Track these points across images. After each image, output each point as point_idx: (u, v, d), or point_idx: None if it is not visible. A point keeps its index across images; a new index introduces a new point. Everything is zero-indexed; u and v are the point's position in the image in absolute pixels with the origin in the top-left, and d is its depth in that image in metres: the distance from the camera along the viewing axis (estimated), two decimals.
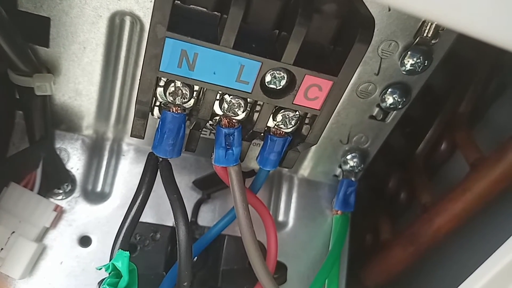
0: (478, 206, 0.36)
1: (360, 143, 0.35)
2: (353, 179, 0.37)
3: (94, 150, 0.33)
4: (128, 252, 0.22)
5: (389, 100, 0.31)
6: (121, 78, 0.30)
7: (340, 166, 0.37)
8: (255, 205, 0.30)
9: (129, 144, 0.34)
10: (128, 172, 0.33)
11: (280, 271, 0.34)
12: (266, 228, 0.31)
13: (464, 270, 0.33)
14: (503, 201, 0.36)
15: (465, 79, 0.40)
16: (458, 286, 0.28)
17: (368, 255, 0.45)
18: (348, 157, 0.36)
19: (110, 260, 0.25)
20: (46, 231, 0.30)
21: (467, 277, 0.29)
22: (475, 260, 0.32)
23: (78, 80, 0.30)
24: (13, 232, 0.28)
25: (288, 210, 0.37)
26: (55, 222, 0.30)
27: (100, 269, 0.22)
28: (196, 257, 0.31)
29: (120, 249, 0.22)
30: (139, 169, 0.34)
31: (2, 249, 0.28)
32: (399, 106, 0.32)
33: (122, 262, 0.21)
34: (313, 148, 0.36)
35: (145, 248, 0.30)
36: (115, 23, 0.27)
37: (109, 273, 0.22)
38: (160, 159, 0.26)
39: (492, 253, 0.26)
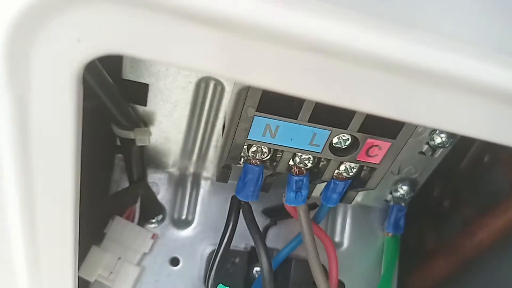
0: None
1: (410, 174, 0.39)
2: (403, 204, 0.41)
3: (178, 184, 0.39)
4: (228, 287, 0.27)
5: (437, 139, 0.35)
6: (203, 127, 0.35)
7: (391, 193, 0.41)
8: (319, 235, 0.35)
9: (206, 178, 0.39)
10: (207, 202, 0.39)
11: None
12: (328, 254, 0.35)
13: (506, 283, 0.37)
14: None
15: None
16: None
17: (413, 261, 0.49)
18: (399, 185, 0.40)
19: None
20: (144, 255, 0.36)
21: None
22: None
23: (168, 130, 0.35)
24: (119, 258, 0.34)
25: (343, 232, 0.42)
26: (152, 247, 0.36)
27: None
28: None
29: (221, 284, 0.28)
30: (214, 199, 0.39)
31: (111, 272, 0.34)
32: (447, 145, 0.36)
33: None
34: None
35: (228, 271, 0.36)
36: (201, 86, 0.32)
37: None
38: (242, 202, 0.32)
39: None
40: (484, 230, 0.42)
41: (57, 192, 0.22)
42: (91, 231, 0.35)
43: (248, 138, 0.27)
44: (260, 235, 0.31)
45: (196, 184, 0.39)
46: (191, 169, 0.39)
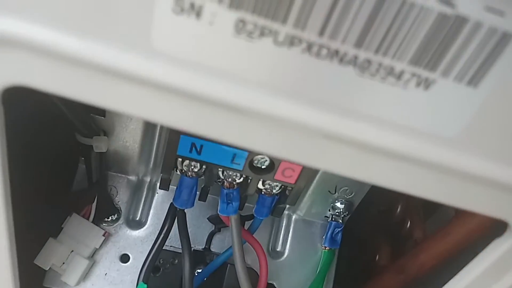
0: (458, 247, 0.43)
1: (345, 194, 0.43)
2: (340, 221, 0.44)
3: (135, 188, 0.43)
4: (146, 284, 0.31)
5: None
6: (157, 138, 0.40)
7: (329, 210, 0.45)
8: (252, 243, 0.39)
9: None
10: (160, 206, 0.43)
11: None
12: (260, 260, 0.39)
13: None
14: (480, 245, 0.42)
15: None
16: None
17: (367, 275, 0.53)
18: (337, 204, 0.44)
19: (138, 278, 0.35)
20: (96, 250, 0.40)
21: None
22: None
23: (126, 139, 0.40)
24: (72, 251, 0.39)
25: (286, 242, 0.45)
26: (103, 244, 0.40)
27: None
28: (205, 279, 0.40)
29: (142, 282, 0.32)
30: (167, 204, 0.43)
31: (63, 263, 0.38)
32: None
33: None
34: (308, 193, 0.44)
35: (166, 270, 0.40)
36: None
37: None
38: (178, 209, 0.36)
39: None
40: (426, 252, 0.45)
41: None
42: (50, 224, 0.39)
43: (177, 153, 0.31)
44: (187, 241, 0.35)
45: (152, 190, 0.44)
46: (148, 176, 0.43)
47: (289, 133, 0.20)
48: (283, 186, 0.35)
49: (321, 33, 0.17)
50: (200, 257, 0.42)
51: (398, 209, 0.53)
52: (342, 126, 0.19)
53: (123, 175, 0.43)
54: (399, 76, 0.18)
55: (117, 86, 0.19)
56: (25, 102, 0.28)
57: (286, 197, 0.35)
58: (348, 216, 0.44)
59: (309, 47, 0.18)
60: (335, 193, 0.43)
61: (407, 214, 0.51)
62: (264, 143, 0.21)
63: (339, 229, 0.44)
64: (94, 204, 0.40)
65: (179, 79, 0.19)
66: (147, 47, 0.18)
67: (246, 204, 0.40)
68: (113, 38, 0.18)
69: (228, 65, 0.18)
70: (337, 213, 0.44)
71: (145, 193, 0.43)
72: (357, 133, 0.20)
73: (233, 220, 0.36)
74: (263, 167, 0.32)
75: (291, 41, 0.17)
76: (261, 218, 0.38)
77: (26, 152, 0.32)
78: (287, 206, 0.40)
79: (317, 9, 0.17)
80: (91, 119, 0.38)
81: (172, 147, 0.31)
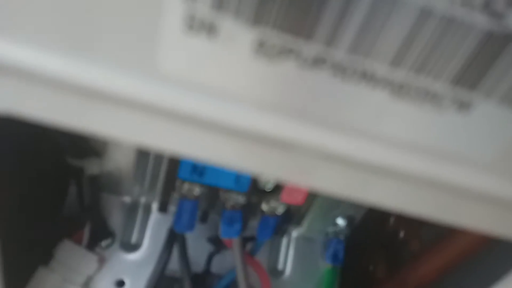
0: (459, 260, 0.42)
1: (346, 209, 0.42)
2: (342, 237, 0.43)
3: (130, 210, 0.41)
4: None
5: None
6: (152, 160, 0.38)
7: (331, 226, 0.43)
8: (255, 267, 0.37)
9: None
10: (156, 227, 0.41)
11: None
12: (263, 285, 0.38)
13: None
14: (484, 256, 0.41)
15: None
16: None
17: None
18: (338, 220, 0.42)
19: None
20: (90, 277, 0.38)
21: None
22: None
23: (120, 161, 0.38)
24: (64, 279, 0.37)
25: (286, 261, 0.44)
26: (97, 270, 0.38)
27: None
28: None
29: None
30: (163, 226, 0.41)
31: None
32: None
33: None
34: (310, 210, 0.42)
35: None
36: None
37: None
38: (178, 233, 0.34)
39: None
40: (427, 265, 0.44)
41: None
42: (41, 251, 0.37)
43: (177, 176, 0.30)
44: (188, 267, 0.33)
45: (147, 211, 0.42)
46: (143, 196, 0.41)
47: (317, 162, 0.19)
48: (287, 206, 0.33)
49: (352, 50, 0.16)
50: (201, 280, 0.40)
51: (391, 218, 0.52)
52: (373, 154, 0.18)
53: (117, 196, 0.41)
54: (433, 97, 0.17)
55: (119, 114, 0.17)
56: (9, 122, 0.26)
57: (291, 217, 0.34)
58: (350, 232, 0.43)
59: (335, 67, 0.16)
60: (337, 208, 0.42)
61: (400, 223, 0.50)
62: (295, 174, 0.19)
63: (341, 245, 0.43)
64: (86, 229, 0.38)
65: (188, 105, 0.17)
66: (152, 71, 0.16)
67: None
68: (112, 60, 0.16)
69: (244, 90, 0.17)
70: (338, 230, 0.43)
71: (140, 214, 0.41)
72: (387, 160, 0.18)
73: (235, 243, 0.34)
74: (268, 188, 0.31)
75: (316, 62, 0.16)
76: (263, 240, 0.36)
77: (11, 176, 0.30)
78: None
79: (349, 21, 0.15)
80: (81, 139, 0.36)
81: (172, 170, 0.29)
